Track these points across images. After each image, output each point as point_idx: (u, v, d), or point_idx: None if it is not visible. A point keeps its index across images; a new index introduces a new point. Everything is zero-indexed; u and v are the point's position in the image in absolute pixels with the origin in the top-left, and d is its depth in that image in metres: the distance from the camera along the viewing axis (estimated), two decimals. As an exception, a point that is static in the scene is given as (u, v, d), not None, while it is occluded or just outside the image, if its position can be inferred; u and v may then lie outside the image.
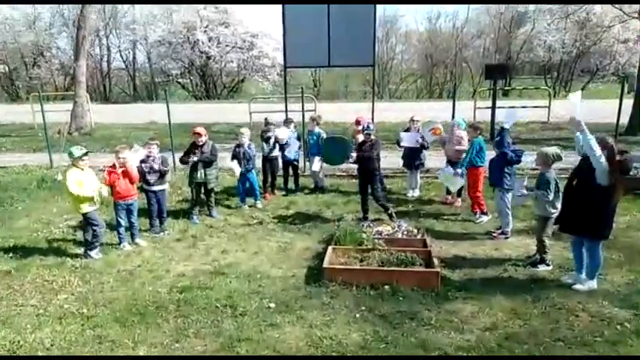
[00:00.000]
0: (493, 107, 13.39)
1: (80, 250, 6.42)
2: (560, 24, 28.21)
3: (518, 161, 6.61)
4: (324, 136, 9.23)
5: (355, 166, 7.57)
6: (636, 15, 15.73)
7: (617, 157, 4.83)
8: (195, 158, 7.47)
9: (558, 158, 5.60)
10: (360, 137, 7.55)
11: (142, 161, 6.92)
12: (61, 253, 6.47)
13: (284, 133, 8.73)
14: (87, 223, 6.22)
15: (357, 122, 8.79)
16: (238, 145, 8.22)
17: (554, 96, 21.53)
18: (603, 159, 4.77)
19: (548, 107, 16.33)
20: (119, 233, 6.62)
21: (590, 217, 4.96)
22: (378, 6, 9.86)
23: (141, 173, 6.79)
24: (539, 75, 36.38)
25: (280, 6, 9.99)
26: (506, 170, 6.57)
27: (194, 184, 7.65)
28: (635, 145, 12.54)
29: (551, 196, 5.46)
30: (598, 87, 31.87)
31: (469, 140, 7.62)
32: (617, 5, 18.53)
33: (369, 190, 7.34)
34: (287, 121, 9.16)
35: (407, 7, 54.70)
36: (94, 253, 6.27)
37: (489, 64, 18.51)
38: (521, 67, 36.47)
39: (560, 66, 32.76)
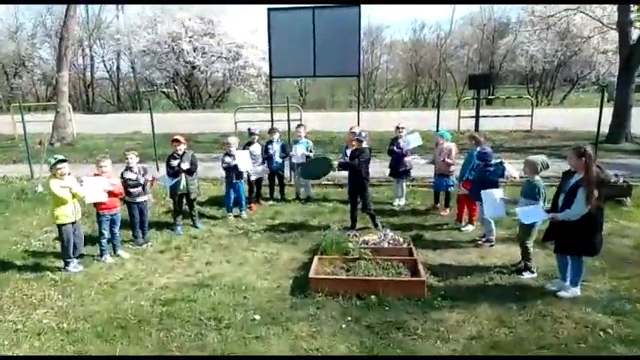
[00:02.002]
0: (477, 116, 13.55)
1: (60, 263, 6.27)
2: (541, 34, 28.75)
3: (499, 177, 6.70)
4: (312, 145, 9.24)
5: (341, 174, 7.55)
6: (614, 26, 16.11)
7: (597, 172, 4.86)
8: (184, 166, 7.37)
9: (546, 167, 5.67)
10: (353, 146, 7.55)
11: (125, 171, 6.84)
12: (40, 266, 6.32)
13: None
14: (59, 235, 6.13)
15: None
16: (227, 154, 8.14)
17: (537, 105, 21.86)
18: (579, 208, 4.86)
19: (531, 116, 16.62)
20: (101, 245, 6.50)
21: (580, 236, 5.00)
22: (362, 17, 9.88)
23: (124, 186, 6.72)
24: (521, 84, 37.02)
25: (265, 17, 9.98)
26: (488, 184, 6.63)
27: (176, 195, 7.56)
28: (615, 153, 12.79)
29: (541, 203, 5.50)
30: (579, 96, 32.56)
31: (466, 150, 7.63)
32: (595, 17, 18.99)
33: (359, 199, 7.34)
34: (272, 131, 9.12)
35: (391, 18, 55.35)
36: (72, 267, 6.14)
37: (473, 74, 18.80)
38: (504, 77, 37.07)
39: (543, 75, 33.36)
